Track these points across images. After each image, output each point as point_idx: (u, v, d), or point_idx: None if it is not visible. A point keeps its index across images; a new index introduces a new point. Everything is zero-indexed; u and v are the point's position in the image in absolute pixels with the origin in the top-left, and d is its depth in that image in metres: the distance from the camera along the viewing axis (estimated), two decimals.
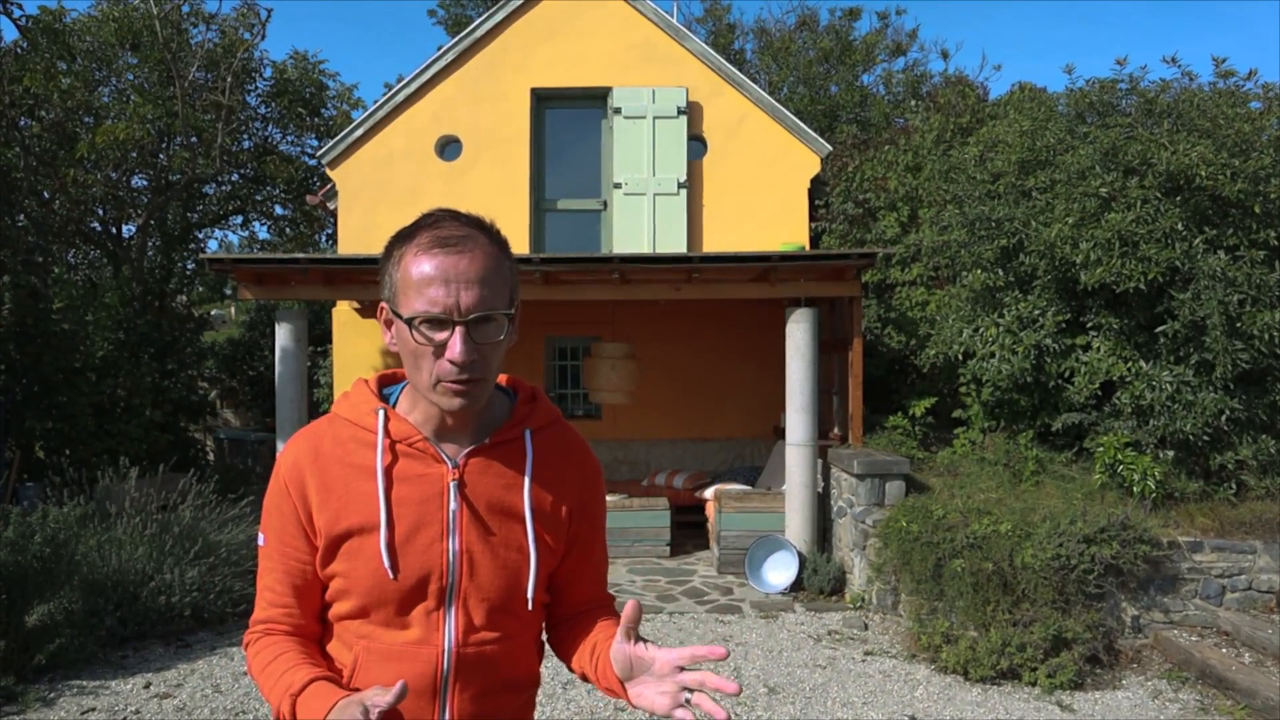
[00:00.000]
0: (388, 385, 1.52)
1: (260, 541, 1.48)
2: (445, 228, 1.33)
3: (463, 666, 1.39)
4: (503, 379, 1.54)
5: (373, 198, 9.67)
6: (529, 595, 1.41)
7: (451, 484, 1.39)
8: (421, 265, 1.30)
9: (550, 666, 5.55)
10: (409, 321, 1.30)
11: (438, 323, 1.29)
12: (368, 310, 9.69)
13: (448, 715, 1.40)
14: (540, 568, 1.43)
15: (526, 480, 1.43)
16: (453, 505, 1.39)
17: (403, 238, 1.35)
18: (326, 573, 1.42)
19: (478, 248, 1.32)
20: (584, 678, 1.47)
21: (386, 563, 1.36)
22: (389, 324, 1.37)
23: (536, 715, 4.81)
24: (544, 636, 1.59)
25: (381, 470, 1.39)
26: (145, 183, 13.63)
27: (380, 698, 1.24)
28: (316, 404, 10.80)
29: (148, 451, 9.82)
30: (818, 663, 5.71)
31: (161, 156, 12.83)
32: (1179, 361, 6.50)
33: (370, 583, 1.37)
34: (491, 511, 1.40)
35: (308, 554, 1.43)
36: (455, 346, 1.28)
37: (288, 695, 1.33)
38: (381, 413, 1.42)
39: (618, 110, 9.66)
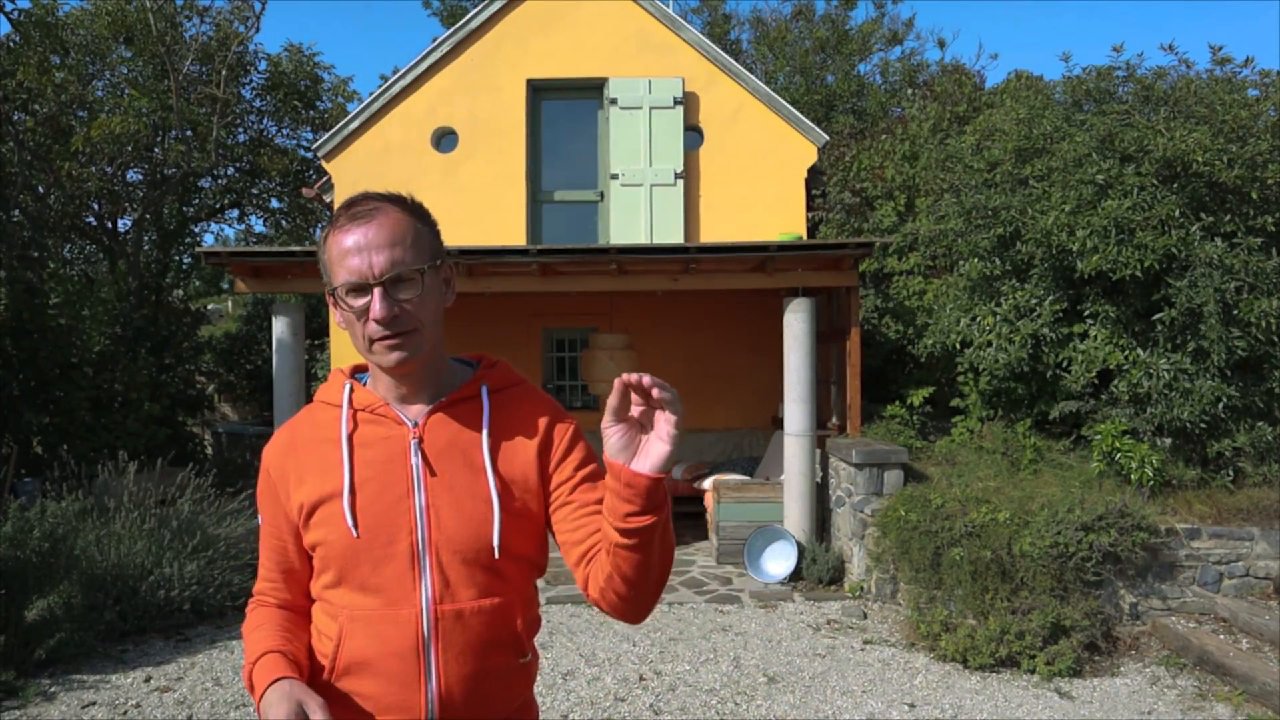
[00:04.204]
0: (362, 372, 1.62)
1: (259, 521, 1.61)
2: (358, 205, 1.45)
3: (442, 625, 1.44)
4: (472, 355, 1.63)
5: (369, 190, 9.63)
6: (494, 544, 1.45)
7: (413, 442, 1.48)
8: (340, 241, 1.42)
9: (550, 657, 5.56)
10: (334, 293, 1.43)
11: (358, 289, 1.41)
12: None
13: (434, 675, 1.44)
14: (505, 515, 1.46)
15: (485, 431, 1.49)
16: (414, 462, 1.47)
17: (329, 223, 1.47)
18: (308, 544, 1.51)
19: (385, 216, 1.43)
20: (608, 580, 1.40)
21: (349, 521, 1.43)
22: (334, 304, 1.47)
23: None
24: (539, 611, 1.61)
25: (345, 437, 1.49)
26: (140, 177, 13.60)
27: (318, 715, 1.32)
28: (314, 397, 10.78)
29: (145, 446, 9.81)
30: (817, 652, 5.73)
31: (156, 150, 12.79)
32: (1176, 349, 6.50)
33: (341, 546, 1.45)
34: (454, 465, 1.47)
35: (290, 536, 1.54)
36: (375, 306, 1.39)
37: (248, 663, 1.47)
38: (347, 386, 1.54)
39: (614, 101, 9.63)
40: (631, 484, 1.31)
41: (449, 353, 1.59)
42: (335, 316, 1.48)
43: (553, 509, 1.52)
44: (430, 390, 1.51)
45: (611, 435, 1.32)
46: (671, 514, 1.38)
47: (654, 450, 1.31)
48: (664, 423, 1.30)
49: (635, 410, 1.32)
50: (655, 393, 1.28)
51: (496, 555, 1.45)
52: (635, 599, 1.42)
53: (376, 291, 1.39)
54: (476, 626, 1.45)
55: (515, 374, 1.61)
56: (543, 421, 1.54)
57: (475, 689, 1.46)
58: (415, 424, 1.48)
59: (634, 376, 1.28)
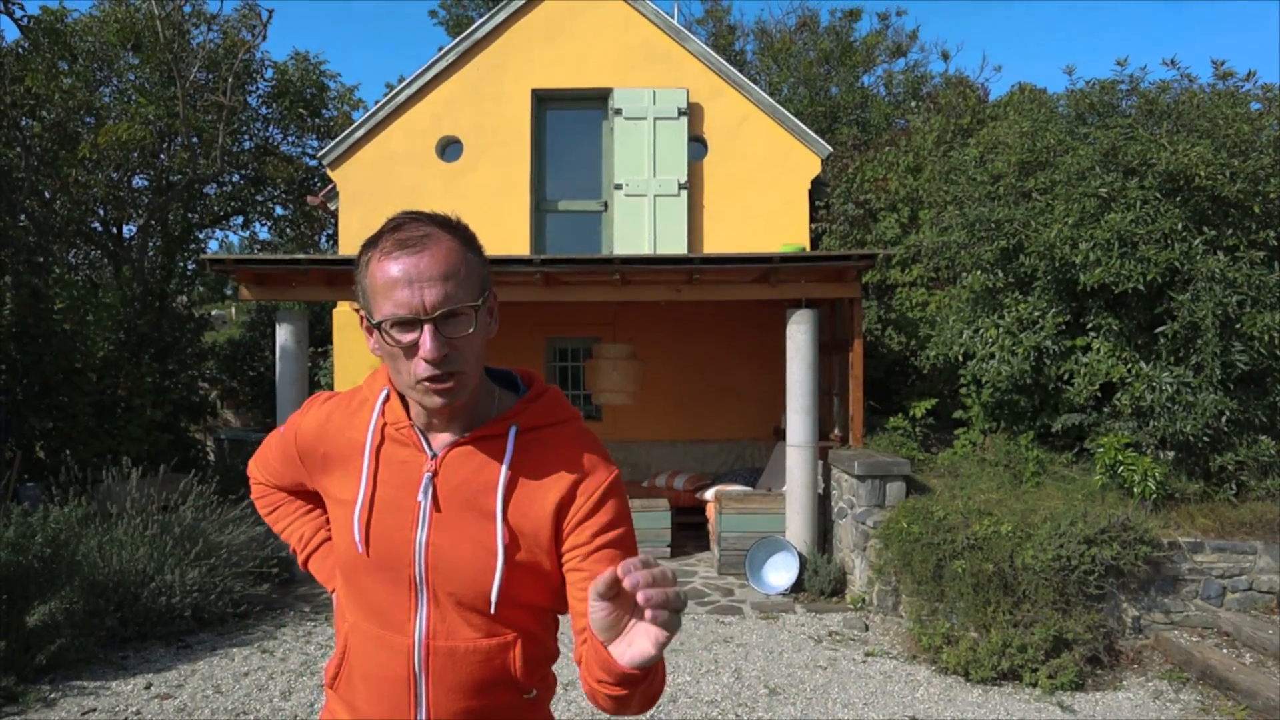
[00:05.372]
0: None
1: (279, 426, 1.66)
2: (406, 230, 1.33)
3: (434, 661, 1.40)
4: (522, 372, 1.54)
5: (373, 199, 9.68)
6: (492, 597, 1.36)
7: (426, 475, 1.40)
8: (386, 269, 1.30)
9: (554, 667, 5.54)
10: (379, 325, 1.32)
11: (407, 324, 1.30)
12: None
13: (424, 708, 1.41)
14: (507, 569, 1.37)
15: (501, 479, 1.38)
16: (421, 497, 1.40)
17: (369, 244, 1.36)
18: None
19: (438, 245, 1.32)
20: (591, 695, 1.30)
21: (356, 535, 1.41)
22: (370, 331, 1.37)
23: None
24: (558, 645, 1.55)
25: (370, 450, 1.43)
26: (146, 183, 13.63)
27: None
28: None
29: (148, 452, 9.82)
30: (818, 664, 5.72)
31: (162, 157, 12.83)
32: (1179, 362, 6.50)
33: (348, 556, 1.45)
34: (464, 507, 1.39)
35: (294, 483, 1.66)
36: (426, 344, 1.29)
37: (303, 550, 1.72)
38: (384, 393, 1.47)
39: (618, 111, 9.66)
40: (608, 667, 1.19)
41: None
42: (369, 342, 1.39)
43: (565, 570, 1.39)
44: (462, 421, 1.42)
45: (597, 611, 1.16)
46: (656, 673, 1.25)
47: (638, 645, 1.15)
48: (657, 627, 1.13)
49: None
50: (648, 613, 1.10)
51: (493, 610, 1.37)
52: (619, 713, 1.32)
53: (427, 329, 1.29)
54: (470, 665, 1.39)
55: (560, 410, 1.48)
56: (571, 474, 1.40)
57: None
58: (435, 455, 1.41)
59: (629, 579, 1.08)
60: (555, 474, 1.40)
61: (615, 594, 1.15)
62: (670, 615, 1.11)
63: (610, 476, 1.42)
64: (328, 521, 1.72)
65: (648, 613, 1.10)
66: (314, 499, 1.75)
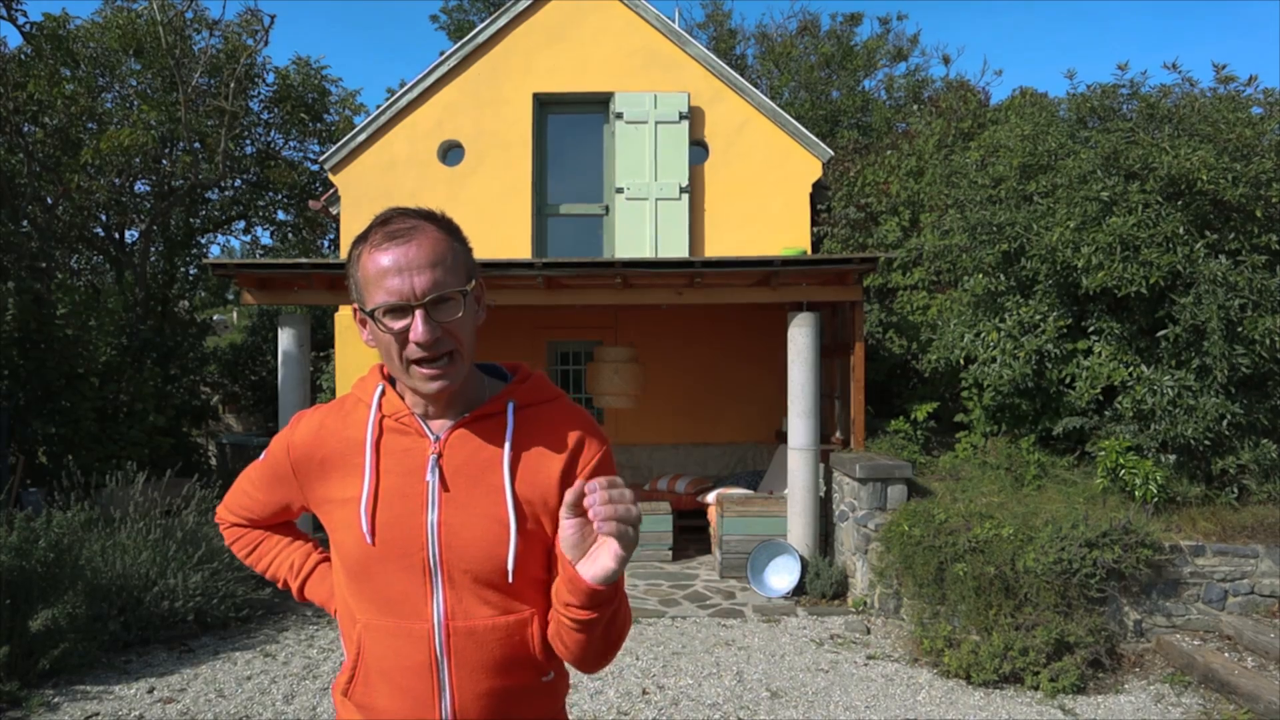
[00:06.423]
0: None
1: (261, 456, 1.64)
2: (394, 223, 1.40)
3: (454, 642, 1.42)
4: (507, 363, 1.60)
5: (375, 203, 9.64)
6: (508, 567, 1.41)
7: (431, 457, 1.44)
8: (377, 260, 1.37)
9: None
10: (372, 314, 1.38)
11: (398, 310, 1.36)
12: None
13: (448, 693, 1.43)
14: (521, 539, 1.42)
15: (506, 452, 1.44)
16: (430, 478, 1.43)
17: (360, 239, 1.43)
18: (330, 537, 1.54)
19: (425, 235, 1.38)
20: (555, 635, 1.43)
21: (364, 527, 1.42)
22: (363, 323, 1.43)
23: None
24: None
25: (370, 443, 1.46)
26: (148, 188, 13.66)
27: None
28: None
29: (150, 456, 9.83)
30: (820, 667, 5.72)
31: (164, 162, 12.86)
32: (1180, 366, 6.51)
33: (357, 552, 1.45)
34: (471, 484, 1.43)
35: (281, 510, 1.66)
36: (417, 328, 1.35)
37: (295, 578, 1.71)
38: (380, 388, 1.50)
39: (620, 115, 9.68)
40: (574, 583, 1.31)
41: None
42: (363, 334, 1.45)
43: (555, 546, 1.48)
44: (458, 406, 1.47)
45: (566, 528, 1.29)
46: (617, 610, 1.38)
47: (601, 560, 1.28)
48: (615, 542, 1.27)
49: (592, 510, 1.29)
50: (597, 524, 1.26)
51: (510, 579, 1.42)
52: (578, 661, 1.43)
53: (418, 313, 1.35)
54: (491, 644, 1.42)
55: (548, 388, 1.56)
56: (570, 443, 1.48)
57: (492, 707, 1.44)
58: (437, 439, 1.45)
59: (589, 498, 1.26)
60: (556, 443, 1.48)
61: (583, 511, 1.28)
62: (619, 525, 1.24)
63: (603, 449, 1.51)
64: (316, 547, 1.75)
65: (597, 523, 1.24)
66: (294, 532, 1.78)
